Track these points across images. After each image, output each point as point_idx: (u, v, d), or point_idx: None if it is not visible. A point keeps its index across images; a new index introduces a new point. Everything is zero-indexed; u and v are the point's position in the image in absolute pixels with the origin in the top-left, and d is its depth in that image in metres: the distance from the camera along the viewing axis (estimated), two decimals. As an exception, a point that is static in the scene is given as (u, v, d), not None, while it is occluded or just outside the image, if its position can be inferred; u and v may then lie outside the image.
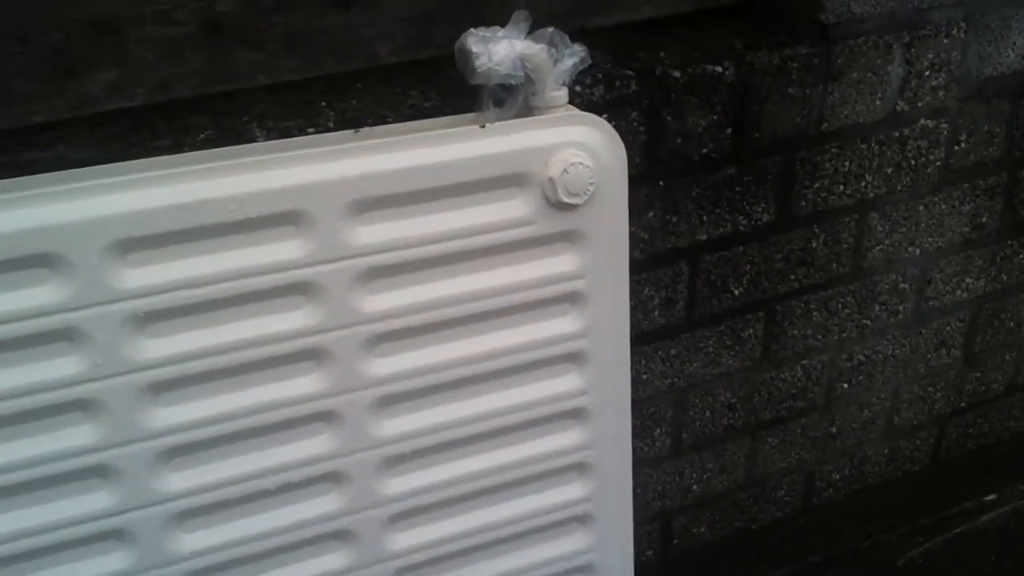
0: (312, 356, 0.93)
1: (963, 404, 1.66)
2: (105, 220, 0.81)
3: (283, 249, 0.88)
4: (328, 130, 0.98)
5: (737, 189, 1.21)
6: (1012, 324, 1.61)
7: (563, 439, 1.09)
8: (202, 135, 0.97)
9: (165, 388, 0.89)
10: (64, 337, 0.84)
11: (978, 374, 1.64)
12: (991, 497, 1.84)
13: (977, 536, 1.77)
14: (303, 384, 0.94)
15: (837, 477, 1.61)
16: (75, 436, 0.88)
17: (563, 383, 1.06)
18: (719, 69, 1.12)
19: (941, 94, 1.29)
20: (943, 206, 1.39)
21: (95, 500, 0.91)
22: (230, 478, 0.94)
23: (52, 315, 0.83)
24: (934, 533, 1.76)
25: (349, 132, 0.95)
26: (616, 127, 1.01)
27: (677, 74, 1.10)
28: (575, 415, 1.08)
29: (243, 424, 0.92)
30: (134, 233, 0.82)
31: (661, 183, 1.16)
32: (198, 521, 0.96)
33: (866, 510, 1.68)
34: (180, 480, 0.93)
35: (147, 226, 0.82)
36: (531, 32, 0.93)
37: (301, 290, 0.90)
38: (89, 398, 0.86)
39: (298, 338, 0.91)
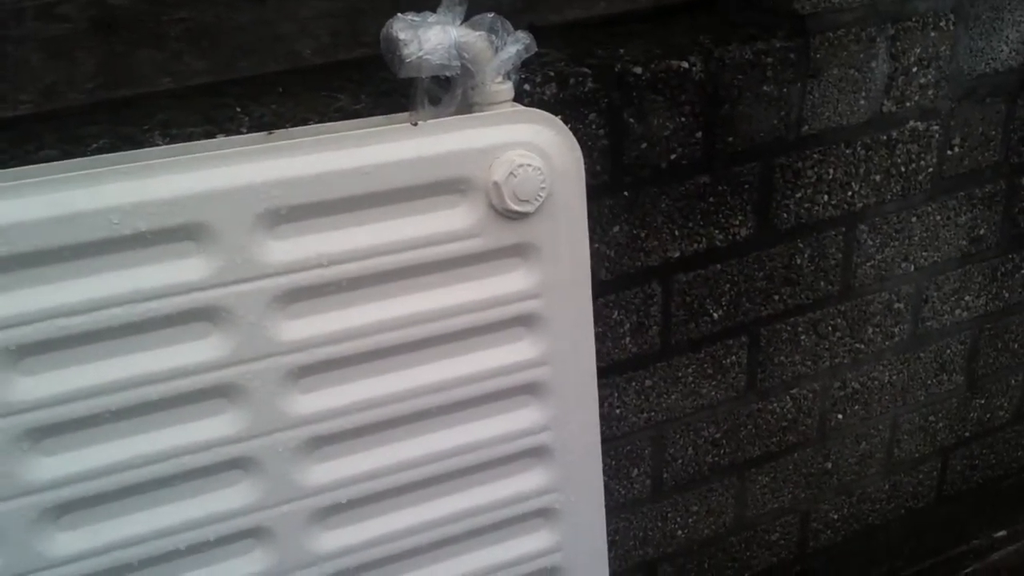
0: (223, 393, 0.79)
1: (967, 434, 1.53)
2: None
3: (182, 269, 0.75)
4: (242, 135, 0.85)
5: (711, 200, 1.09)
6: (1016, 345, 1.48)
7: (525, 482, 0.95)
8: (95, 145, 0.84)
9: (45, 434, 0.74)
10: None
11: (982, 401, 1.50)
12: (1001, 533, 1.71)
13: (988, 575, 1.64)
14: (215, 427, 0.80)
15: (835, 517, 1.46)
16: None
17: (523, 418, 0.93)
18: (685, 65, 1.00)
19: (931, 93, 1.17)
20: (937, 217, 1.27)
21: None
22: (130, 537, 0.80)
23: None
24: (942, 574, 1.62)
25: (261, 135, 0.82)
26: (573, 131, 0.89)
27: (639, 71, 0.98)
28: (537, 454, 0.94)
29: (145, 473, 0.78)
30: (3, 251, 0.69)
31: (626, 193, 1.04)
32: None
33: (868, 552, 1.54)
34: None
35: (15, 243, 0.69)
36: (468, 18, 0.81)
37: (206, 316, 0.77)
38: (-48, 449, 0.72)
39: (206, 372, 0.78)
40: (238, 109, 0.90)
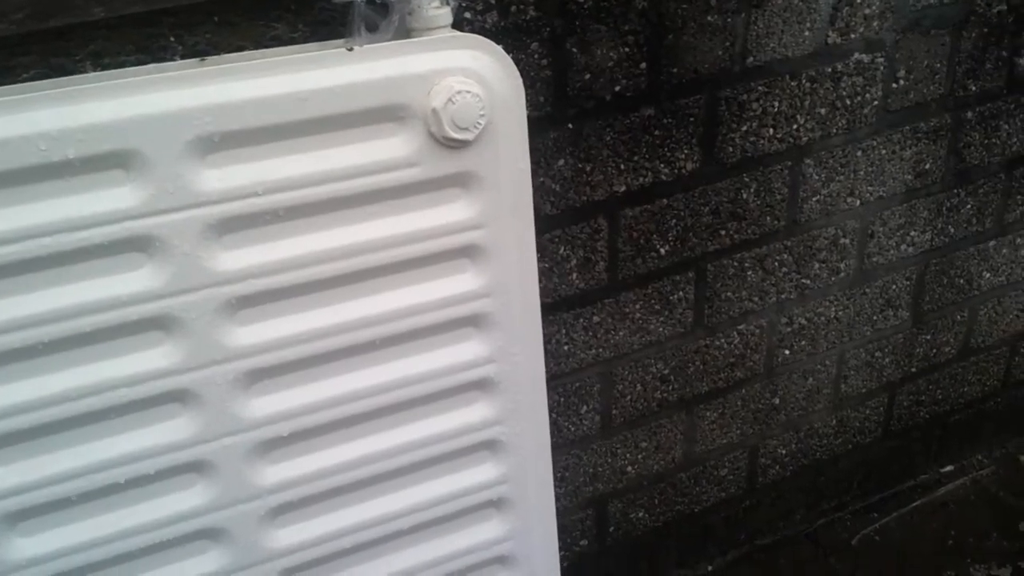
0: (159, 326, 0.79)
1: (914, 369, 1.55)
2: None
3: (113, 197, 0.74)
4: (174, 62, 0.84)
5: (656, 133, 1.09)
6: (962, 281, 1.50)
7: (470, 414, 0.96)
8: (26, 75, 0.83)
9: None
10: None
11: (928, 336, 1.53)
12: (948, 468, 1.75)
13: (935, 510, 1.68)
14: (151, 359, 0.80)
15: (783, 452, 1.49)
16: None
17: (466, 350, 0.93)
18: (628, -6, 1.00)
19: (876, 24, 1.17)
20: (883, 151, 1.28)
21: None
22: (67, 471, 0.80)
23: None
24: (889, 509, 1.66)
25: (194, 61, 0.81)
26: (515, 60, 0.88)
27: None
28: (482, 386, 0.95)
29: (80, 406, 0.78)
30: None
31: (571, 126, 1.03)
32: (35, 523, 0.81)
33: (816, 487, 1.58)
34: (6, 475, 0.78)
35: (-66, 169, 0.68)
36: (403, -59, 0.80)
37: (138, 246, 0.76)
38: None
39: (140, 304, 0.77)
40: (172, 39, 0.88)
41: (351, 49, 0.79)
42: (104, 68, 0.84)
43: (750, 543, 1.55)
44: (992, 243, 1.49)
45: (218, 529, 0.87)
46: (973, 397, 1.68)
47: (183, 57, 0.86)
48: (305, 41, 0.90)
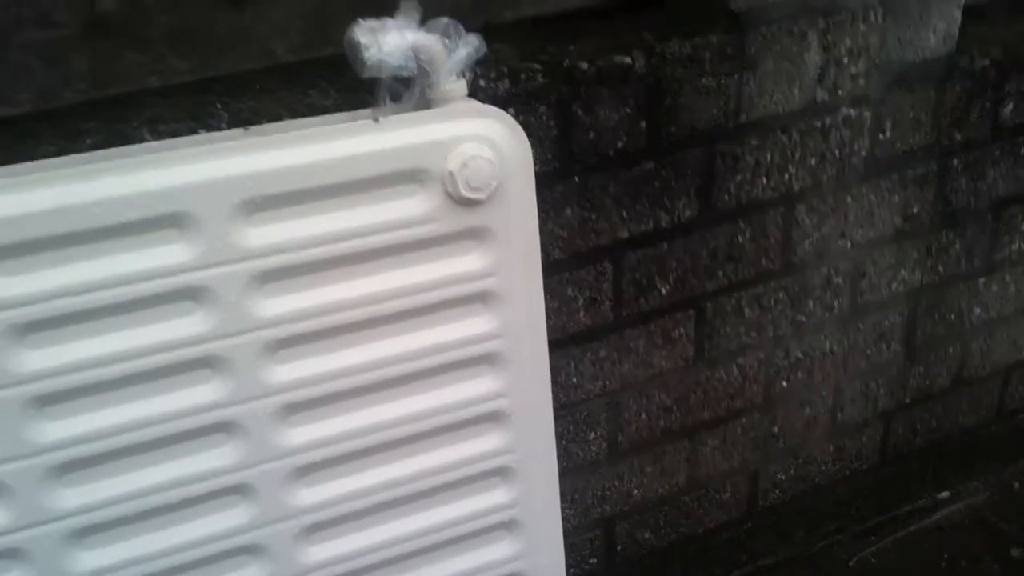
0: (207, 364, 0.89)
1: (908, 400, 1.63)
2: (-30, 227, 0.77)
3: (167, 253, 0.84)
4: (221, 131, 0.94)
5: (656, 184, 1.19)
6: (952, 317, 1.59)
7: (483, 443, 1.05)
8: (89, 140, 0.93)
9: (48, 401, 0.84)
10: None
11: (921, 368, 1.61)
12: (943, 494, 1.82)
13: (931, 534, 1.75)
14: (199, 394, 0.90)
15: (783, 477, 1.57)
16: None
17: (480, 386, 1.02)
18: (629, 60, 1.10)
19: (862, 81, 1.27)
20: (872, 197, 1.37)
21: None
22: (125, 494, 0.90)
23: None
24: (887, 532, 1.74)
25: (239, 131, 0.91)
26: (524, 122, 0.99)
27: (585, 66, 1.08)
28: (494, 418, 1.04)
29: (135, 438, 0.88)
30: (4, 239, 0.78)
31: (576, 179, 1.13)
32: (96, 539, 0.91)
33: (815, 510, 1.66)
34: (75, 496, 0.88)
35: (18, 231, 0.78)
36: (424, 23, 0.90)
37: (190, 295, 0.86)
38: (-35, 415, 0.82)
39: (190, 346, 0.87)
40: (219, 106, 0.99)
41: (377, 120, 0.89)
42: (159, 134, 0.94)
43: (752, 564, 1.63)
44: (981, 280, 1.57)
45: (257, 545, 0.97)
46: (967, 426, 1.76)
47: (229, 123, 0.96)
48: (337, 106, 1.00)
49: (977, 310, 1.60)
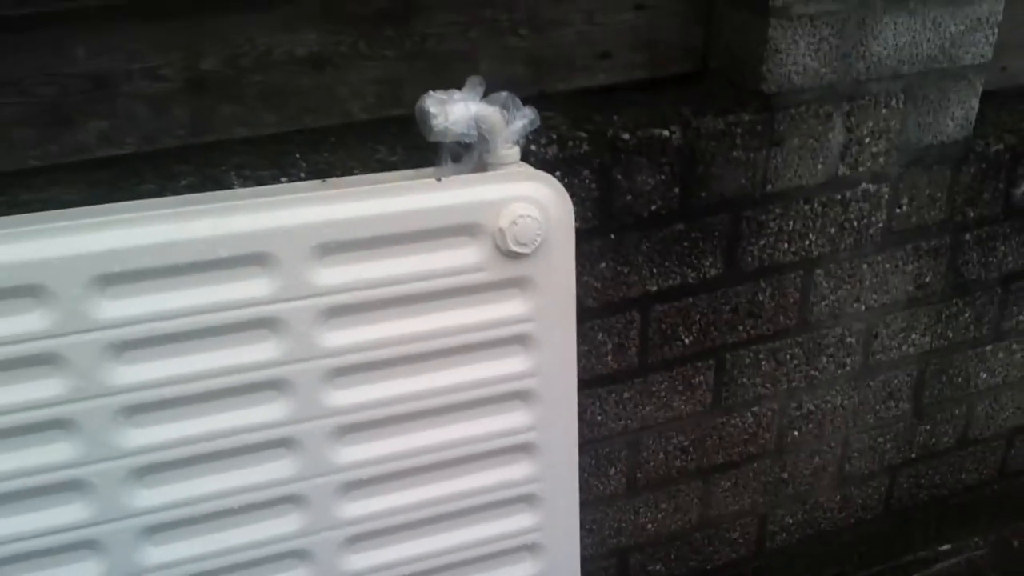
0: (275, 386, 1.00)
1: (914, 455, 1.71)
2: (87, 256, 0.88)
3: (250, 287, 0.95)
4: (300, 180, 1.06)
5: (685, 244, 1.28)
6: (960, 380, 1.67)
7: (513, 472, 1.15)
8: (184, 181, 1.05)
9: (137, 411, 0.95)
10: (46, 361, 0.91)
11: (928, 427, 1.69)
12: (945, 547, 1.89)
13: None
14: (268, 412, 1.00)
15: (790, 521, 1.66)
16: (50, 453, 0.94)
17: (513, 419, 1.12)
18: (667, 133, 1.20)
19: (882, 160, 1.36)
20: (887, 265, 1.46)
21: (68, 513, 0.97)
22: (196, 496, 1.01)
23: (36, 341, 0.89)
24: None
25: (318, 182, 1.03)
26: (568, 184, 1.09)
27: (627, 136, 1.18)
28: (525, 449, 1.14)
29: (209, 447, 0.99)
30: (113, 268, 0.89)
31: (613, 236, 1.23)
32: (168, 535, 1.02)
33: (820, 555, 1.73)
34: (151, 496, 0.99)
35: (125, 263, 0.90)
36: (486, 95, 1.00)
37: (266, 325, 0.97)
38: (66, 418, 0.93)
39: (262, 369, 0.98)
40: (298, 156, 1.11)
41: (439, 179, 1.00)
42: (245, 179, 1.06)
43: None
44: (989, 347, 1.65)
45: (304, 551, 1.08)
46: (970, 484, 1.83)
47: (307, 172, 1.08)
48: (403, 162, 1.11)
49: (984, 375, 1.68)
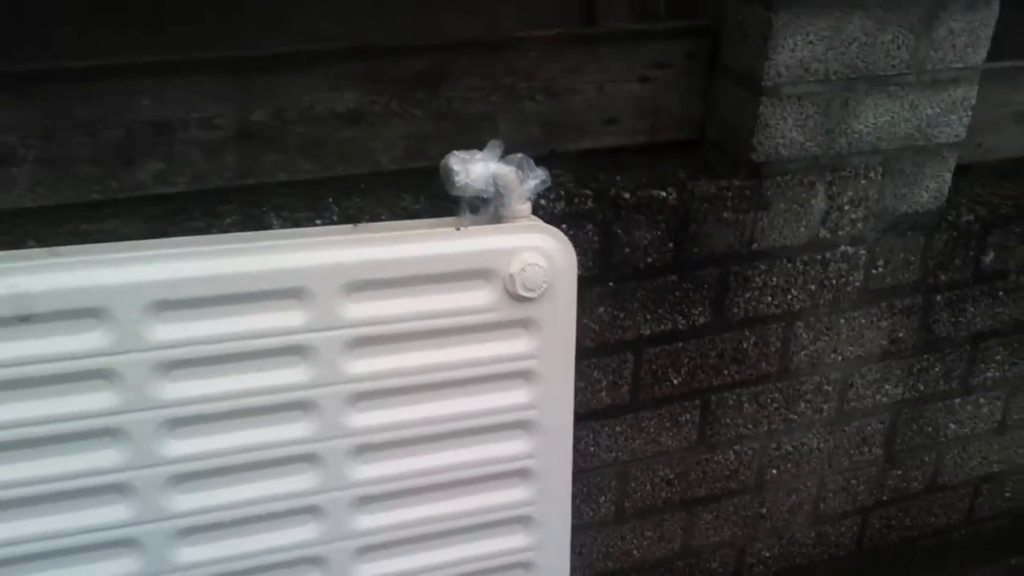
0: (302, 407, 1.10)
1: (885, 498, 1.80)
2: (145, 285, 0.99)
3: (286, 317, 1.05)
4: (332, 223, 1.17)
5: (677, 294, 1.39)
6: (930, 429, 1.76)
7: (511, 494, 1.24)
8: (229, 220, 1.16)
9: (180, 424, 1.05)
10: (103, 376, 1.01)
11: (899, 472, 1.78)
12: (914, 587, 1.97)
13: None
14: (293, 429, 1.10)
15: (767, 555, 1.75)
16: (98, 458, 1.04)
17: (513, 446, 1.22)
18: (664, 194, 1.31)
19: (860, 225, 1.47)
20: (862, 320, 1.56)
21: (111, 512, 1.07)
22: (227, 503, 1.11)
23: (94, 357, 1.00)
24: None
25: (349, 226, 1.13)
26: (573, 236, 1.20)
27: (628, 195, 1.29)
28: (522, 474, 1.23)
29: (241, 459, 1.09)
30: (167, 296, 1.00)
31: (611, 284, 1.34)
32: (200, 537, 1.12)
33: (794, 588, 1.82)
34: (187, 501, 1.09)
35: (178, 291, 1.00)
36: (504, 156, 1.11)
37: (298, 351, 1.07)
38: (116, 427, 1.03)
39: (293, 391, 1.08)
40: (331, 200, 1.21)
41: (458, 229, 1.11)
42: (283, 219, 1.17)
43: None
44: (958, 400, 1.75)
45: (319, 557, 1.17)
46: (939, 527, 1.92)
47: (338, 215, 1.18)
48: (425, 211, 1.22)
49: (952, 426, 1.78)
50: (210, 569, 1.13)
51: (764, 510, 1.68)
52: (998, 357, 1.73)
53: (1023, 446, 1.87)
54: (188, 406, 1.05)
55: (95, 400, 1.02)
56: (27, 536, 1.05)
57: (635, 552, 1.61)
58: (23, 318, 0.96)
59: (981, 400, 1.77)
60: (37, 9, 1.10)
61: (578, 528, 1.51)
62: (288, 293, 1.05)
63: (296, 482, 1.13)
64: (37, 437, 1.01)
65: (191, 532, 1.11)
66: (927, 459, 1.80)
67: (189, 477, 1.08)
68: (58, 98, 1.10)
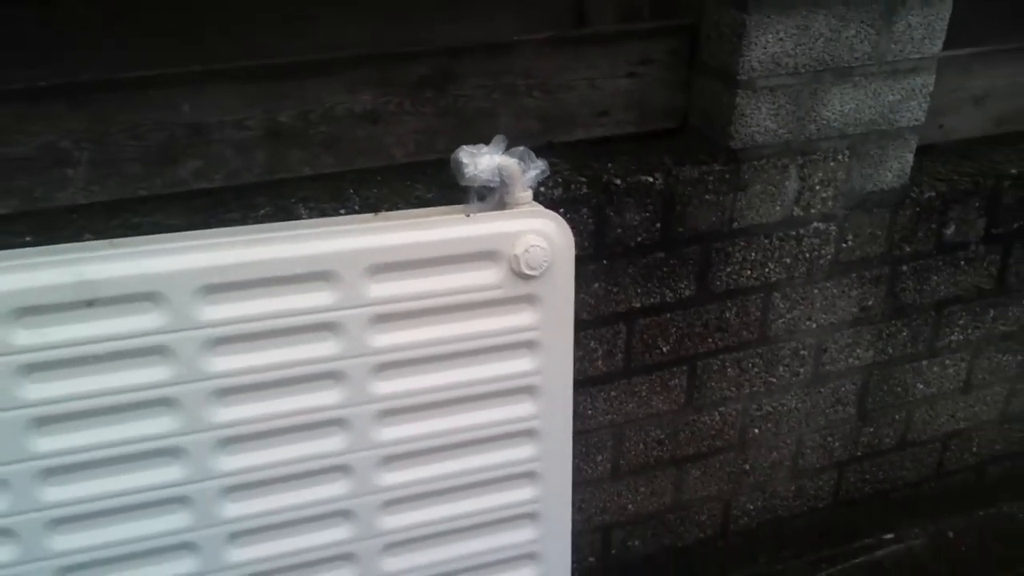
0: (333, 376, 1.21)
1: (859, 453, 1.92)
2: (195, 271, 1.10)
3: (317, 297, 1.16)
4: (354, 212, 1.28)
5: (665, 270, 1.51)
6: (900, 389, 1.88)
7: (519, 452, 1.35)
8: (262, 211, 1.27)
9: (227, 393, 1.17)
10: (158, 352, 1.12)
11: (871, 429, 1.90)
12: (887, 536, 2.08)
13: (873, 568, 2.00)
14: (325, 396, 1.22)
15: (751, 507, 1.87)
16: (155, 424, 1.16)
17: (520, 409, 1.32)
18: (651, 179, 1.42)
19: (830, 203, 1.58)
20: (834, 290, 1.68)
21: (166, 473, 1.19)
22: (268, 463, 1.22)
23: (152, 335, 1.11)
24: (836, 562, 1.99)
25: (370, 215, 1.24)
26: (570, 220, 1.31)
27: (619, 181, 1.40)
28: (528, 434, 1.35)
29: (278, 424, 1.20)
30: (214, 280, 1.11)
31: (605, 262, 1.45)
32: (244, 494, 1.23)
33: (776, 537, 1.93)
34: (232, 462, 1.21)
35: (224, 276, 1.11)
36: (507, 149, 1.22)
37: (328, 327, 1.18)
38: (171, 397, 1.14)
39: (324, 362, 1.20)
40: (351, 191, 1.33)
41: (468, 215, 1.22)
42: (310, 209, 1.28)
43: None
44: (924, 362, 1.87)
45: (347, 510, 1.29)
46: (910, 480, 2.04)
47: (359, 205, 1.30)
48: (436, 199, 1.33)
49: (920, 386, 1.90)
50: (256, 521, 1.25)
51: (747, 466, 1.81)
52: (961, 321, 1.85)
53: (987, 404, 1.99)
54: (233, 377, 1.16)
55: (152, 373, 1.13)
56: (95, 495, 1.16)
57: (630, 506, 1.73)
58: (89, 303, 1.08)
59: (947, 361, 1.89)
60: (86, 27, 1.20)
61: (577, 485, 1.61)
62: (318, 276, 1.16)
63: (327, 444, 1.25)
64: (102, 407, 1.12)
65: (236, 489, 1.22)
66: (898, 417, 1.92)
67: (234, 440, 1.20)
68: (107, 106, 1.21)
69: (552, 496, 1.41)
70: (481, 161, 1.21)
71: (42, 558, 1.16)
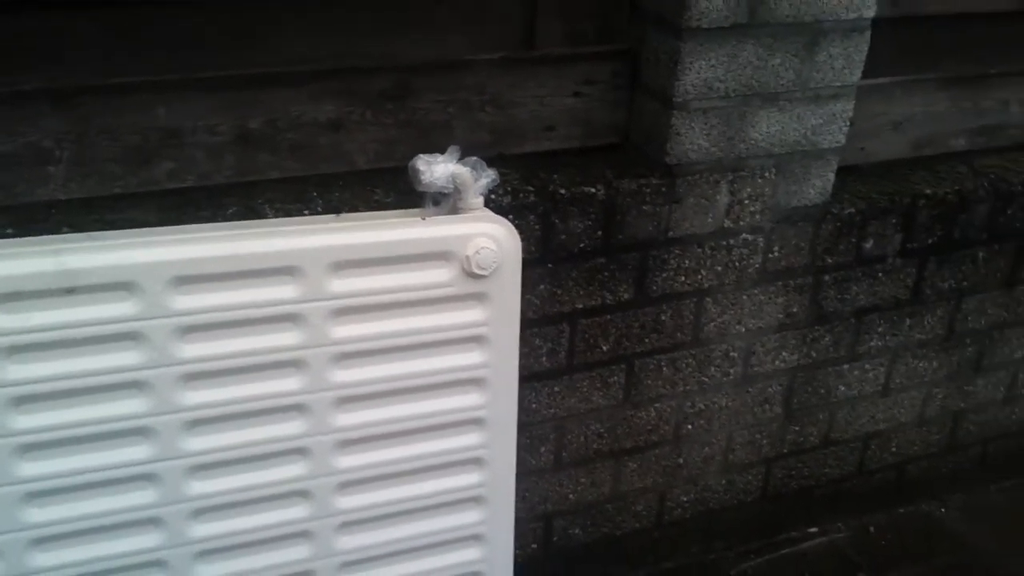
0: (294, 364, 1.27)
1: (786, 450, 2.02)
2: (167, 263, 1.16)
3: (281, 290, 1.23)
4: (317, 213, 1.35)
5: (605, 274, 1.59)
6: (823, 391, 1.98)
7: (467, 439, 1.42)
8: (231, 210, 1.34)
9: (195, 377, 1.23)
10: (131, 338, 1.18)
11: (797, 428, 2.00)
12: (812, 529, 2.16)
13: (798, 558, 2.07)
14: (287, 383, 1.28)
15: (685, 500, 1.96)
16: (127, 405, 1.22)
17: (468, 399, 1.39)
18: (593, 190, 1.51)
19: (758, 217, 1.68)
20: (762, 297, 1.78)
21: (135, 452, 1.24)
22: (233, 444, 1.29)
23: (126, 322, 1.17)
24: (764, 552, 2.04)
25: (332, 216, 1.32)
26: (518, 225, 1.39)
27: (564, 191, 1.49)
28: (476, 422, 1.41)
29: (242, 407, 1.27)
30: (185, 273, 1.17)
31: (550, 265, 1.54)
32: (211, 472, 1.30)
33: (708, 529, 2.01)
34: (198, 443, 1.27)
35: (194, 269, 1.18)
36: (461, 159, 1.30)
37: (291, 319, 1.25)
38: (143, 380, 1.20)
39: (287, 351, 1.26)
40: (315, 194, 1.40)
41: (424, 219, 1.30)
42: (276, 210, 1.35)
43: (655, 566, 1.97)
44: (846, 366, 1.97)
45: (305, 490, 1.36)
46: (834, 477, 2.13)
47: (322, 207, 1.37)
48: (394, 203, 1.40)
49: (842, 388, 2.00)
50: (219, 499, 1.31)
51: (681, 460, 1.89)
52: (880, 329, 1.96)
53: (905, 407, 2.10)
54: (202, 363, 1.23)
55: (126, 357, 1.19)
56: (64, 471, 1.22)
57: (571, 496, 1.81)
58: (68, 290, 1.14)
59: (867, 366, 2.00)
60: (70, 35, 1.27)
61: (521, 475, 1.67)
62: (282, 271, 1.22)
63: (288, 427, 1.31)
64: (78, 388, 1.18)
65: (201, 468, 1.28)
66: (821, 417, 2.02)
67: (201, 422, 1.26)
68: (88, 109, 1.27)
69: (497, 481, 1.48)
70: (436, 169, 1.28)
71: (15, 529, 1.22)
